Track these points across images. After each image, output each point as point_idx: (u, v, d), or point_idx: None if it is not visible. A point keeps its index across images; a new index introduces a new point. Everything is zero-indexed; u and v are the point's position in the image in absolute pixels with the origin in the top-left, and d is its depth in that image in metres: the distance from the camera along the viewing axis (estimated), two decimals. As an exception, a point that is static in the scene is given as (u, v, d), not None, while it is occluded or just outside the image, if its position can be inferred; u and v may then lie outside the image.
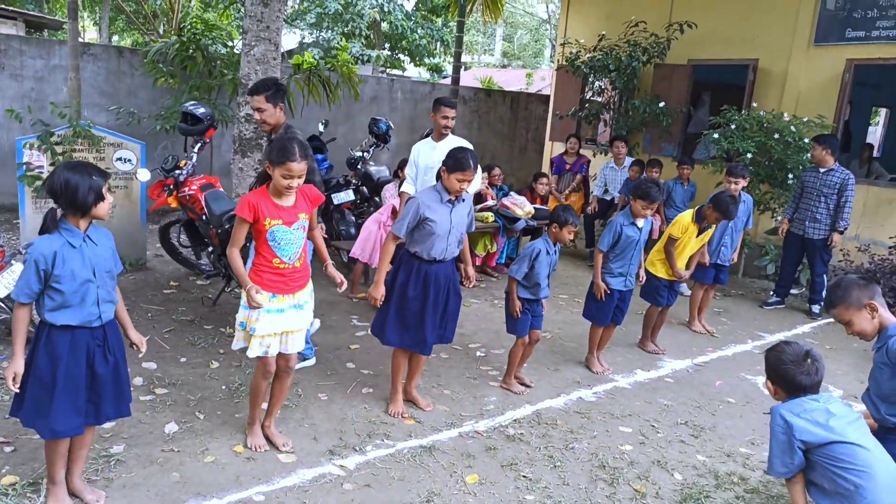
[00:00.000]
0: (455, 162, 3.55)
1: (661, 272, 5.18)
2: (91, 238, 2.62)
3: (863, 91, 10.34)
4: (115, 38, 23.20)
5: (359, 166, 7.60)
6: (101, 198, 2.58)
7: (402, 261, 3.75)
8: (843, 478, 2.28)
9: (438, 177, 3.69)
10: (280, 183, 3.02)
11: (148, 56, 7.64)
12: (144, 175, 5.59)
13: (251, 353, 3.16)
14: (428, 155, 5.12)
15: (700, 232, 5.20)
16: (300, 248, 3.17)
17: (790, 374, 2.47)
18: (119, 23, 21.47)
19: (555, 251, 4.25)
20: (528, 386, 4.42)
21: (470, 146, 4.24)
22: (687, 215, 5.20)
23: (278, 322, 3.17)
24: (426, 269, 3.70)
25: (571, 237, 4.23)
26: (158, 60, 7.67)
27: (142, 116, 7.55)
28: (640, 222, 4.59)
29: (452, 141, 5.03)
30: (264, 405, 3.49)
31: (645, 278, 5.05)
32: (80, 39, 8.73)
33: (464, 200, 3.76)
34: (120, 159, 6.02)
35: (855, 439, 2.32)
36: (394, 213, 6.14)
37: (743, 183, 5.72)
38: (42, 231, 2.57)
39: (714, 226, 5.27)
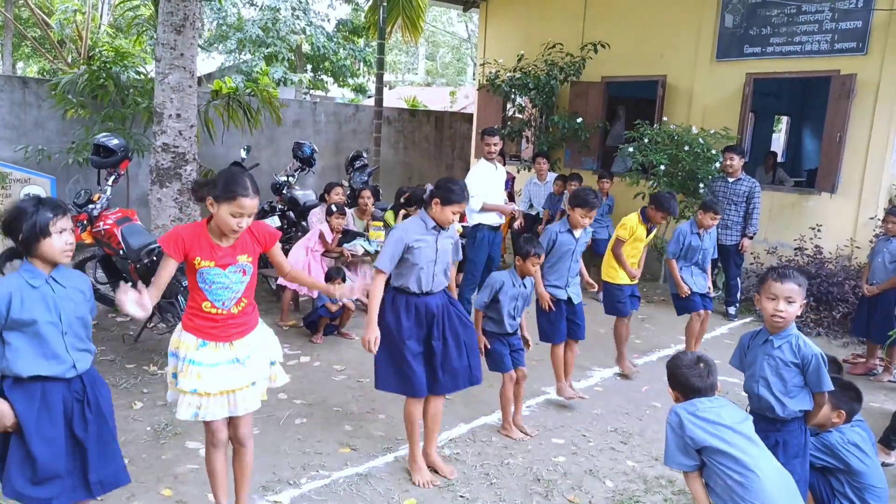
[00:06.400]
0: (451, 194, 3.38)
1: (618, 279, 5.09)
2: (56, 280, 2.34)
3: (765, 101, 11.01)
4: (20, 65, 22.16)
5: (284, 191, 7.52)
6: (44, 233, 2.26)
7: (387, 300, 3.44)
8: (731, 478, 2.45)
9: (422, 205, 3.57)
10: (227, 223, 2.59)
11: (57, 89, 7.33)
12: (55, 211, 5.36)
13: (179, 415, 2.70)
14: (492, 176, 6.02)
15: (648, 233, 5.20)
16: (238, 294, 2.70)
17: (685, 378, 2.65)
18: (24, 49, 20.53)
19: (522, 284, 4.04)
20: (528, 434, 4.11)
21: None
22: (633, 217, 5.15)
23: (210, 378, 2.65)
24: (415, 302, 3.42)
25: (537, 268, 4.07)
26: (68, 91, 7.38)
27: (52, 152, 7.23)
28: (578, 232, 4.47)
29: (500, 166, 6.17)
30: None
31: (602, 289, 5.03)
32: (-19, 69, 8.31)
33: (447, 228, 3.52)
34: (28, 195, 5.75)
35: (740, 444, 2.50)
36: (321, 237, 6.10)
37: (717, 219, 5.50)
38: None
39: (658, 226, 5.23)
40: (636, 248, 5.20)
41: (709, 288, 5.53)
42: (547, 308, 4.43)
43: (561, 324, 4.49)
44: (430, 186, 3.56)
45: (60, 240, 2.30)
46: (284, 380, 2.96)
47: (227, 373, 2.69)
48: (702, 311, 5.42)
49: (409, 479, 3.51)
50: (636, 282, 5.20)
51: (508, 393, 4.07)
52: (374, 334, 3.33)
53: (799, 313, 2.85)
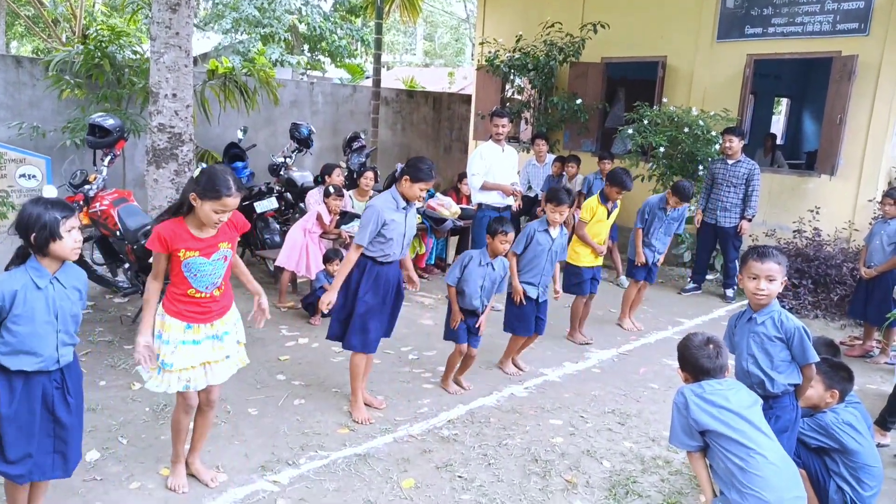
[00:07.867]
0: (420, 172, 3.74)
1: (580, 261, 5.38)
2: (59, 280, 2.48)
3: (766, 82, 10.94)
4: (14, 44, 21.93)
5: (281, 172, 7.48)
6: (54, 236, 2.40)
7: (357, 265, 3.82)
8: (732, 461, 2.47)
9: (389, 184, 3.85)
10: (210, 218, 2.78)
11: (51, 67, 7.24)
12: (50, 192, 5.28)
13: (171, 389, 2.93)
14: (498, 158, 6.00)
15: (609, 213, 5.48)
16: (219, 279, 2.94)
17: (694, 359, 2.67)
18: (17, 28, 20.29)
19: (490, 265, 4.22)
20: (463, 388, 4.47)
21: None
22: (593, 199, 5.49)
23: (195, 354, 2.93)
24: (377, 270, 3.83)
25: (505, 248, 4.25)
26: (62, 71, 7.29)
27: (47, 130, 7.16)
28: (555, 232, 4.64)
29: (509, 149, 6.15)
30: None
31: (564, 270, 5.21)
32: (-26, 48, 8.22)
33: (413, 205, 3.92)
34: (24, 176, 5.72)
35: (743, 429, 2.51)
36: (319, 219, 6.08)
37: (686, 204, 5.79)
38: (9, 266, 2.45)
39: (619, 202, 5.58)
40: (601, 228, 5.48)
41: (659, 261, 5.89)
42: (517, 301, 4.62)
43: (530, 319, 4.69)
44: (400, 166, 3.84)
45: (70, 238, 2.44)
46: (245, 361, 3.19)
47: (208, 347, 2.98)
48: (641, 282, 5.88)
49: (407, 460, 3.52)
50: (600, 262, 5.50)
51: (455, 362, 4.39)
52: (333, 298, 3.77)
53: (780, 290, 2.91)
